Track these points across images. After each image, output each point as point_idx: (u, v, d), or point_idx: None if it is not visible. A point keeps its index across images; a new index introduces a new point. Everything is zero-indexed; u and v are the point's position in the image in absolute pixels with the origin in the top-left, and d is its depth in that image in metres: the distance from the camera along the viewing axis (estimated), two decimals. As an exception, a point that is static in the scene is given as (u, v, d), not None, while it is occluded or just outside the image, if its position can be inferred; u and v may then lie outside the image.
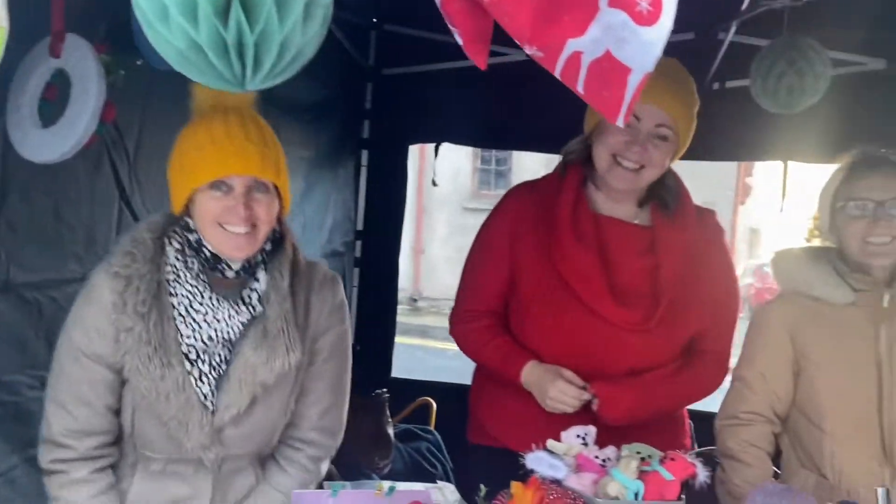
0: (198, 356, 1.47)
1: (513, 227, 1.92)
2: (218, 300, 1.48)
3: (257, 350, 1.47)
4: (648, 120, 1.79)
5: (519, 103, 3.59)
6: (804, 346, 1.75)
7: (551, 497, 1.36)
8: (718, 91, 3.34)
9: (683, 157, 4.00)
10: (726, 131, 3.35)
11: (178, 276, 1.47)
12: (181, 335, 1.46)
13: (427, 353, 8.42)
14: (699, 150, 3.65)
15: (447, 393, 3.39)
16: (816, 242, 1.86)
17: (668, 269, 1.83)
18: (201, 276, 1.48)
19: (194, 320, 1.46)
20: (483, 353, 1.95)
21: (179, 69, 1.00)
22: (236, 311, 1.49)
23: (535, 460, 1.42)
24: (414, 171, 3.93)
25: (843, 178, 1.73)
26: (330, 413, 1.65)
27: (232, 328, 1.48)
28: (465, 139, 3.89)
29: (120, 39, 1.57)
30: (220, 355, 1.48)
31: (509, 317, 1.95)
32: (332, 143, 3.42)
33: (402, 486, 1.53)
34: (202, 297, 1.47)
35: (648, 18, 0.95)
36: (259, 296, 1.51)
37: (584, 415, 1.78)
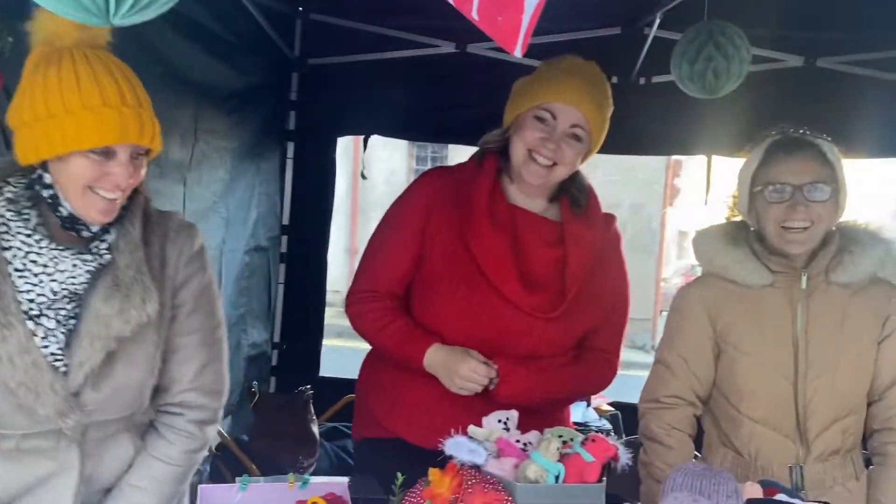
0: (40, 313, 1.33)
1: (427, 208, 1.89)
2: (60, 250, 1.35)
3: (108, 301, 1.34)
4: (565, 119, 1.82)
5: (450, 95, 3.56)
6: (723, 327, 1.75)
7: (470, 482, 1.31)
8: (644, 86, 3.39)
9: (611, 152, 4.05)
10: (652, 126, 3.41)
11: (9, 227, 1.34)
12: (19, 291, 1.32)
13: (361, 355, 8.30)
14: (626, 145, 3.72)
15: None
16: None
17: (575, 263, 1.85)
18: (39, 226, 1.35)
19: (33, 274, 1.34)
20: (382, 334, 1.90)
21: (47, 7, 0.91)
22: (82, 261, 1.36)
23: (455, 446, 1.37)
24: (349, 170, 3.87)
25: (761, 160, 1.71)
26: (206, 371, 1.50)
27: (77, 279, 1.35)
28: (395, 132, 3.85)
29: (5, 6, 1.46)
30: (66, 310, 1.36)
31: (412, 299, 1.91)
32: (256, 134, 3.31)
33: (318, 479, 1.46)
34: (40, 247, 1.34)
35: None
36: (108, 245, 1.39)
37: (479, 399, 1.77)
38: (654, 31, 3.03)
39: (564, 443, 1.43)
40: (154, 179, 2.53)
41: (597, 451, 1.37)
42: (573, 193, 1.92)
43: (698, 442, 1.85)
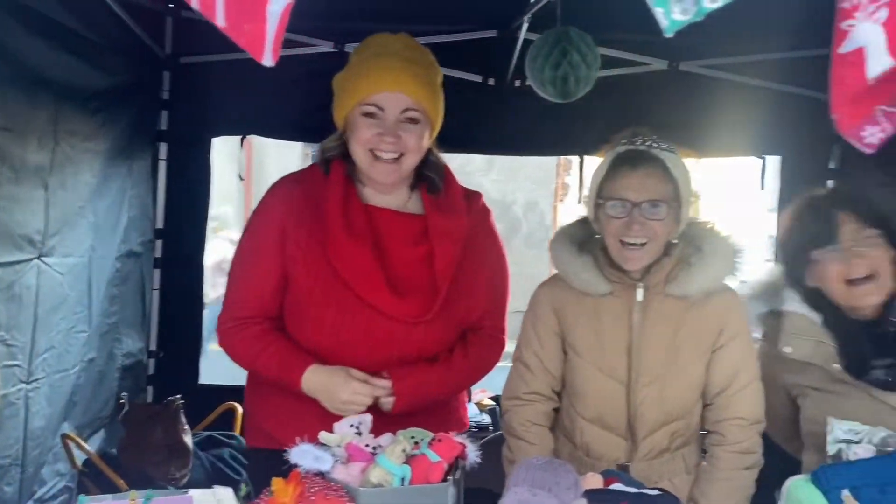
0: None
1: (281, 225, 1.83)
2: None
3: None
4: (393, 108, 1.77)
5: (329, 94, 3.52)
6: (566, 328, 1.80)
7: (312, 490, 1.30)
8: (519, 88, 3.46)
9: (491, 153, 4.02)
10: (528, 127, 3.49)
11: None
12: None
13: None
14: (506, 146, 3.80)
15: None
16: None
17: (443, 258, 1.81)
18: None
19: None
20: (258, 362, 1.84)
21: None
22: None
23: (299, 454, 1.37)
24: (242, 170, 3.77)
25: (605, 173, 1.73)
26: None
27: None
28: (273, 132, 3.78)
29: None
30: None
31: (285, 319, 1.86)
32: (125, 135, 3.17)
33: (160, 495, 1.42)
34: None
35: None
36: None
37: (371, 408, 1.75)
38: (523, 34, 3.09)
39: (417, 444, 1.45)
40: (9, 185, 2.40)
41: (442, 450, 1.39)
42: (429, 177, 1.87)
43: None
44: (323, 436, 1.45)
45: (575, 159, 3.84)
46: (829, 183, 3.29)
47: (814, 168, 3.36)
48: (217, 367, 3.71)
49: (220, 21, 0.96)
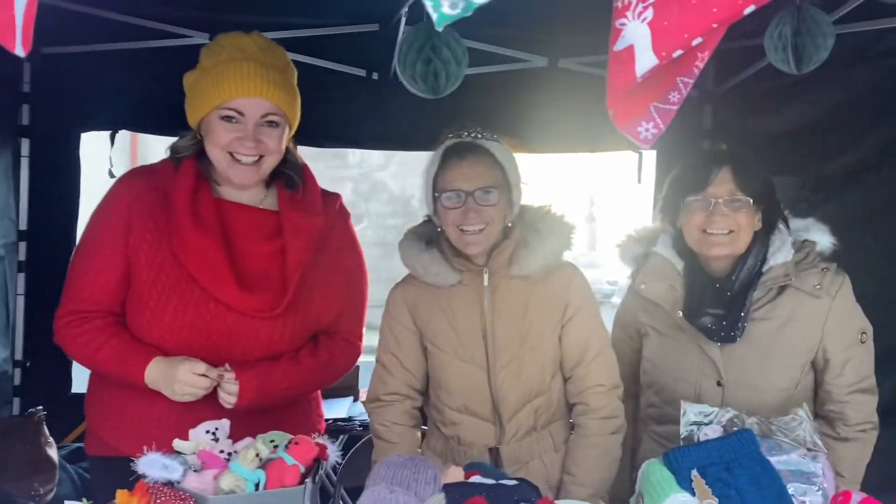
0: None
1: (127, 215, 1.79)
2: None
3: None
4: (253, 113, 1.77)
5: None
6: (422, 325, 1.84)
7: (160, 500, 1.25)
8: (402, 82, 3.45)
9: (375, 147, 3.94)
10: (410, 121, 3.47)
11: None
12: None
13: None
14: (390, 140, 3.78)
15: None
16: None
17: (294, 254, 1.81)
18: None
19: None
20: (97, 357, 1.79)
21: None
22: None
23: (148, 464, 1.32)
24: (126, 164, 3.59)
25: (438, 165, 1.79)
26: None
27: None
28: (146, 127, 3.64)
29: None
30: None
31: (127, 313, 1.81)
32: (-19, 130, 2.98)
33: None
34: None
35: None
36: None
37: (209, 409, 1.70)
38: (402, 28, 3.08)
39: (276, 447, 1.42)
40: None
41: (298, 453, 1.37)
42: (286, 174, 1.87)
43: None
44: (177, 443, 1.40)
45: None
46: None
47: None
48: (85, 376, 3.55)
49: None
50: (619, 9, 1.03)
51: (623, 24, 1.00)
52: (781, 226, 1.89)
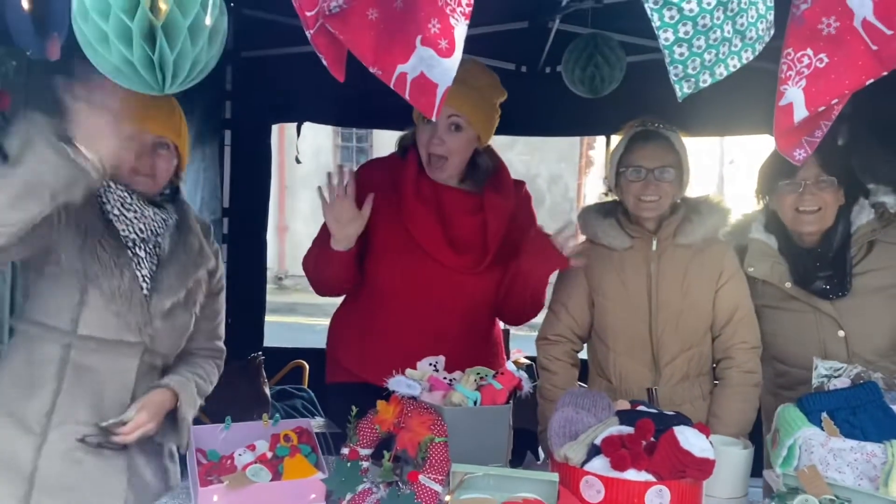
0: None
1: (365, 194, 2.20)
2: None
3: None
4: (441, 116, 2.11)
5: (373, 85, 3.82)
6: (595, 281, 2.19)
7: (409, 409, 1.68)
8: (550, 74, 3.78)
9: (522, 134, 4.30)
10: (558, 110, 3.80)
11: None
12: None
13: (295, 329, 8.57)
14: (536, 127, 4.11)
15: (317, 356, 3.66)
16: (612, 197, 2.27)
17: (493, 227, 2.23)
18: None
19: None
20: (310, 256, 2.25)
21: (114, 80, 1.28)
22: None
23: (396, 383, 1.74)
24: (275, 150, 4.12)
25: (624, 147, 2.13)
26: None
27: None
28: (325, 118, 4.12)
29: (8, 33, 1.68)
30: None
31: (366, 267, 2.26)
32: (198, 123, 3.54)
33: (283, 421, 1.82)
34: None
35: (447, 52, 1.37)
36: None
37: (428, 349, 2.07)
38: (556, 25, 3.40)
39: (482, 378, 1.83)
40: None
41: (504, 381, 1.77)
42: (475, 178, 2.26)
43: (584, 376, 2.29)
44: (409, 372, 1.83)
45: (601, 138, 4.15)
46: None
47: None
48: (271, 334, 4.11)
49: (406, 95, 1.45)
50: (783, 79, 1.43)
51: (785, 89, 1.40)
52: (862, 199, 2.16)
